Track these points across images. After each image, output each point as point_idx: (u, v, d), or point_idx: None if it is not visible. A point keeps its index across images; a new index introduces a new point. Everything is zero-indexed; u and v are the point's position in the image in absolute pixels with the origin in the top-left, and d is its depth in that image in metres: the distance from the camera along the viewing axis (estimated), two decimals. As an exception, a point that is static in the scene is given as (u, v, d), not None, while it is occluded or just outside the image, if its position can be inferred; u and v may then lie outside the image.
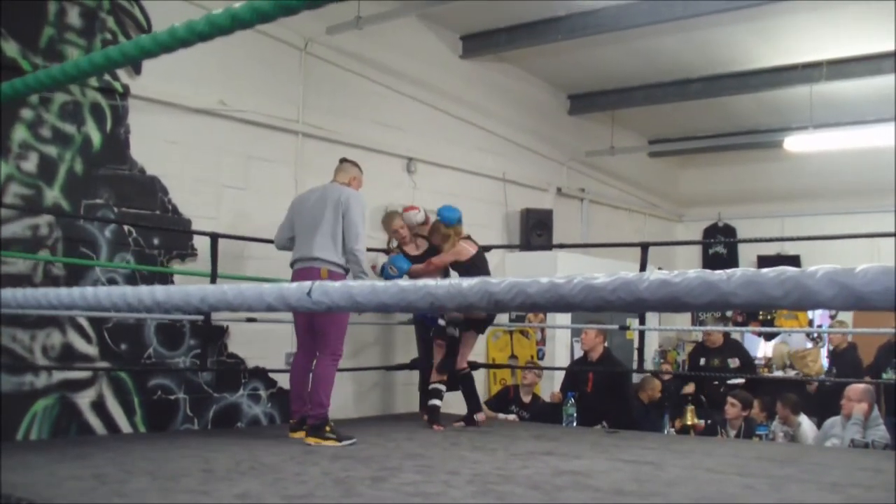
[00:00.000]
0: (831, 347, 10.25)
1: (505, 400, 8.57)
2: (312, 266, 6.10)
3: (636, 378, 9.01)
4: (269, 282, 7.43)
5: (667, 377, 9.58)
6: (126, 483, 4.26)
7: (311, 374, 6.26)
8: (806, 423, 7.82)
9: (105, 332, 6.46)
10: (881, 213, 11.17)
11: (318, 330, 6.20)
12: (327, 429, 5.95)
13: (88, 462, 4.86)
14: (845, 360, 9.72)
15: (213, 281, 6.54)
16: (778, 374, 11.22)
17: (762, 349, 12.85)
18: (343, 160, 6.79)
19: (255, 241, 7.20)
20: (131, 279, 6.67)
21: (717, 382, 8.91)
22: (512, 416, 8.26)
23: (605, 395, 8.01)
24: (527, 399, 8.47)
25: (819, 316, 12.27)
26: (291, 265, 6.39)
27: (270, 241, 7.28)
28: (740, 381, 8.77)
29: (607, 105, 11.63)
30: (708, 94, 10.70)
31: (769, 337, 12.68)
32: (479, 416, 7.20)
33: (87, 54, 5.99)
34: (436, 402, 7.18)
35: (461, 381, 7.31)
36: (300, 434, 6.14)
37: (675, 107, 11.45)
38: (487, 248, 8.80)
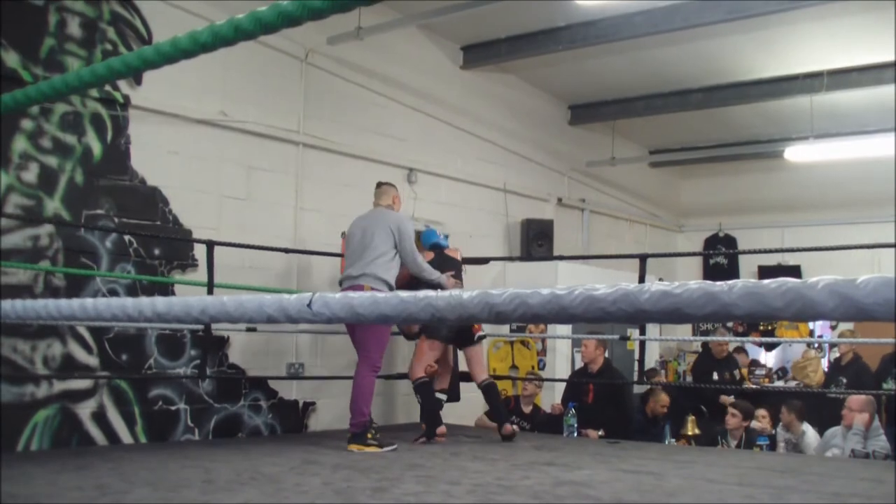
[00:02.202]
0: (838, 355, 10.19)
1: (505, 410, 8.55)
2: (356, 283, 6.34)
3: (641, 389, 8.97)
4: (268, 291, 7.48)
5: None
6: (127, 494, 4.26)
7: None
8: (810, 431, 7.80)
9: (106, 342, 6.46)
10: (882, 223, 11.18)
11: (359, 342, 6.46)
12: (368, 436, 6.17)
13: (89, 473, 4.85)
14: (857, 371, 9.63)
15: (209, 289, 6.53)
16: (779, 384, 11.21)
17: (763, 359, 12.83)
18: (379, 184, 6.92)
19: (254, 249, 7.18)
20: (132, 289, 6.67)
21: (731, 396, 8.85)
22: (513, 427, 8.24)
23: (606, 406, 8.01)
24: (527, 410, 8.46)
25: (820, 326, 12.26)
26: (339, 283, 6.66)
27: (270, 249, 7.31)
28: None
29: (608, 115, 11.65)
30: (708, 104, 10.71)
31: (770, 347, 12.66)
32: (440, 430, 6.83)
33: (87, 65, 6.03)
34: None
35: (416, 390, 6.96)
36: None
37: (676, 117, 11.47)
38: (486, 260, 8.82)
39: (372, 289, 6.26)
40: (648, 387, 8.84)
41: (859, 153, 10.98)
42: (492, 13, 8.47)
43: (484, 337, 7.29)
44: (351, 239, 6.65)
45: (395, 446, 6.21)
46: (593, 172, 12.29)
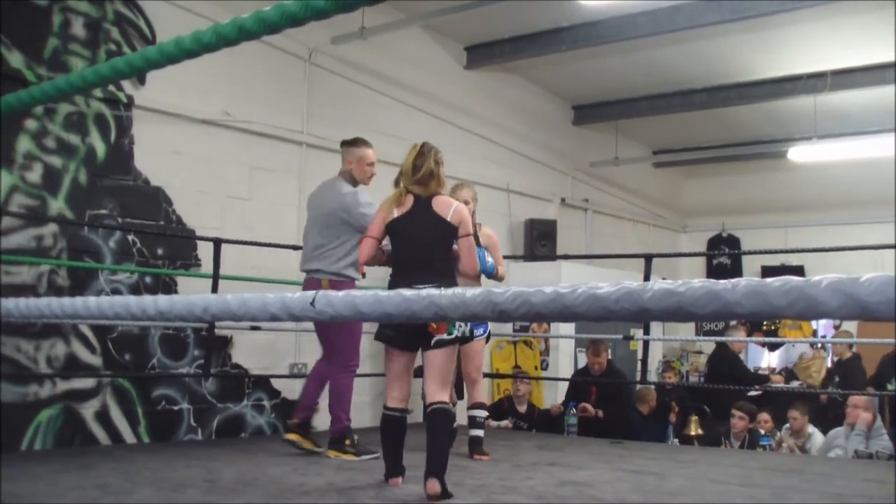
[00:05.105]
0: (835, 358, 10.19)
1: (500, 410, 8.62)
2: (314, 277, 5.74)
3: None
4: (271, 282, 7.39)
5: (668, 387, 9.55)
6: (129, 494, 4.26)
7: (324, 384, 5.93)
8: (817, 434, 7.78)
9: (109, 342, 6.47)
10: (886, 223, 11.16)
11: (324, 340, 5.87)
12: (347, 442, 5.69)
13: (92, 472, 4.85)
14: (849, 370, 9.66)
15: (214, 284, 6.51)
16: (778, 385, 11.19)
17: (766, 359, 12.83)
18: (342, 144, 6.09)
19: (258, 245, 7.17)
20: (135, 290, 6.67)
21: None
22: (505, 423, 8.34)
23: (609, 407, 8.02)
24: (522, 409, 8.51)
25: (823, 326, 12.25)
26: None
27: (274, 246, 7.30)
28: (757, 392, 8.77)
29: (611, 115, 11.65)
30: (712, 104, 10.70)
31: (773, 347, 12.65)
32: (392, 481, 4.67)
33: (91, 65, 6.04)
34: (477, 432, 6.00)
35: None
36: (292, 436, 5.83)
37: (679, 117, 11.46)
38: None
39: (331, 283, 5.66)
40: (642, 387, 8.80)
41: (863, 153, 10.97)
42: (496, 13, 8.47)
43: (453, 341, 4.53)
44: (308, 219, 5.99)
45: (376, 454, 5.35)
46: (597, 172, 12.28)
